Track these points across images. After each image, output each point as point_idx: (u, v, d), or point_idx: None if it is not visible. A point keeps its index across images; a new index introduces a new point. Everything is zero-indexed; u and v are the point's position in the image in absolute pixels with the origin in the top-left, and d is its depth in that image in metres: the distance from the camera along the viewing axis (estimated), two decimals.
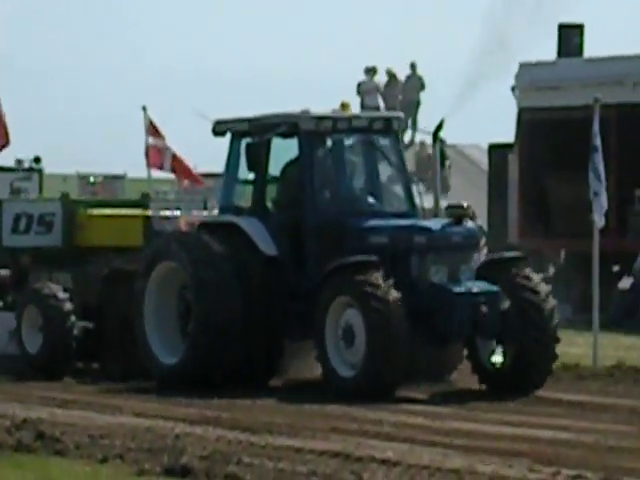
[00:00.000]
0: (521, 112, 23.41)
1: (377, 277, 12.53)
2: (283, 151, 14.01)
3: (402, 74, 28.07)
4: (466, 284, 12.92)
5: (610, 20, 42.82)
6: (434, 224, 13.34)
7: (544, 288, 13.06)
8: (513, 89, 23.39)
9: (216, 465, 9.11)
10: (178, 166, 19.97)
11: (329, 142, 13.94)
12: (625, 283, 21.38)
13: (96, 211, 16.07)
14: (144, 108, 18.44)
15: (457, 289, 12.84)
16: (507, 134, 24.27)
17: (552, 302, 13.04)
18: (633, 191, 20.83)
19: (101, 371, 14.51)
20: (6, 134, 13.97)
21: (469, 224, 13.55)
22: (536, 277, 13.14)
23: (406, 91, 28.34)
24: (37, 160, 20.53)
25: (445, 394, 13.14)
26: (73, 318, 14.61)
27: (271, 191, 14.05)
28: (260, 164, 13.68)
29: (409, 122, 27.58)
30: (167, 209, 16.08)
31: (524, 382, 12.86)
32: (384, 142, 14.03)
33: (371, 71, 27.75)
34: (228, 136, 14.13)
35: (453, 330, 12.89)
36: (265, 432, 10.86)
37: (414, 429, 11.20)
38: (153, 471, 9.00)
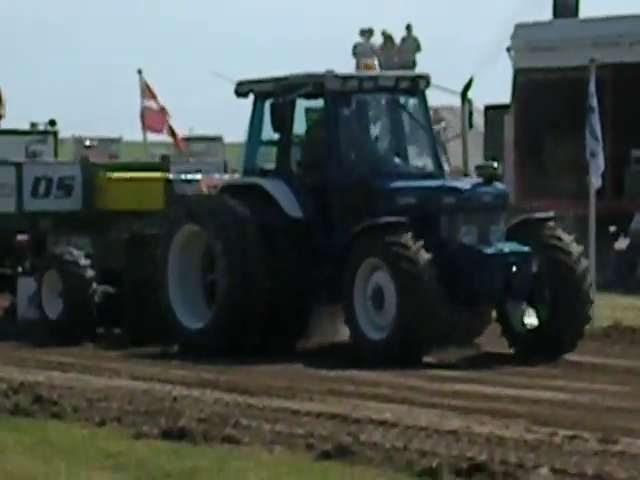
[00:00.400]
0: (517, 73, 23.56)
1: (407, 238, 12.50)
2: (308, 111, 14.05)
3: (398, 36, 28.41)
4: (496, 245, 12.95)
5: None
6: (463, 184, 13.35)
7: (576, 249, 13.03)
8: (509, 50, 23.66)
9: (213, 428, 9.23)
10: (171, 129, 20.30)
11: (355, 102, 13.94)
12: (622, 244, 21.57)
13: (116, 174, 16.05)
14: (139, 71, 18.88)
15: (488, 250, 12.85)
16: (503, 95, 24.50)
17: (584, 263, 13.07)
18: (629, 152, 20.94)
19: (123, 336, 14.42)
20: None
21: (499, 184, 13.53)
22: (567, 237, 13.08)
23: (402, 52, 28.50)
24: (52, 123, 20.53)
25: (469, 358, 13.11)
26: (94, 285, 14.61)
27: (296, 152, 14.00)
28: (285, 125, 13.63)
29: None
30: (188, 172, 16.09)
31: (556, 345, 12.86)
32: (410, 102, 14.11)
33: (367, 33, 27.91)
34: (251, 97, 14.12)
35: (483, 292, 12.88)
36: (262, 394, 10.98)
37: (412, 391, 11.34)
38: (151, 434, 9.10)
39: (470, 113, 14.86)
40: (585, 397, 10.86)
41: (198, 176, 15.76)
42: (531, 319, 13.08)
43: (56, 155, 18.59)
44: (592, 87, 14.91)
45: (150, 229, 14.65)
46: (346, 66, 26.14)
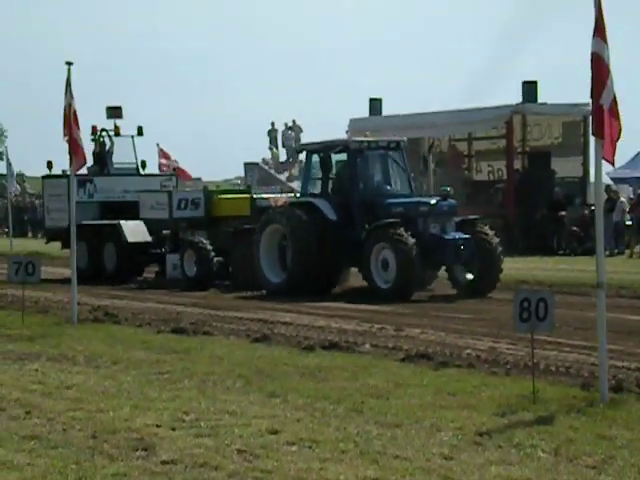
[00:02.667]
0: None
1: (401, 230, 20.07)
2: (337, 161, 22.05)
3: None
4: (451, 234, 20.60)
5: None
6: (431, 199, 21.18)
7: (495, 238, 20.82)
8: (347, 132, 38.73)
9: (198, 327, 16.21)
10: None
11: (366, 154, 21.68)
12: None
13: (223, 195, 25.39)
14: (157, 144, 30.26)
15: (446, 237, 20.57)
16: None
17: (496, 240, 20.72)
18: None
19: (231, 286, 22.87)
20: (83, 155, 16.81)
21: (451, 200, 21.28)
22: (489, 230, 20.93)
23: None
24: (174, 170, 31.60)
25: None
26: (213, 254, 23.24)
27: (331, 184, 21.95)
28: (326, 168, 21.84)
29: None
30: (264, 193, 25.36)
31: (482, 289, 20.47)
32: (396, 154, 21.95)
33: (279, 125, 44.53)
34: (304, 153, 22.78)
35: (445, 260, 20.66)
36: (225, 309, 18.77)
37: (307, 308, 18.93)
38: (165, 331, 15.79)
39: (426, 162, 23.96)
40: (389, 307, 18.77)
41: (271, 195, 24.55)
42: (468, 276, 20.78)
43: (177, 186, 28.29)
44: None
45: (244, 226, 22.85)
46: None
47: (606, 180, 35.07)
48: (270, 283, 21.59)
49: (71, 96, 16.53)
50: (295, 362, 12.68)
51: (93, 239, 25.92)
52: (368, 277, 20.52)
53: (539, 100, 35.03)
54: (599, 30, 10.16)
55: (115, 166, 28.40)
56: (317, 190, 22.14)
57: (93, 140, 28.36)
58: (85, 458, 8.47)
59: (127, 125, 28.55)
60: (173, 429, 9.29)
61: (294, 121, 51.14)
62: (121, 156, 28.49)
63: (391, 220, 20.34)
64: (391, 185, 21.99)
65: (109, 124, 28.33)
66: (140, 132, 28.48)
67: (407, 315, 17.73)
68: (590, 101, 10.30)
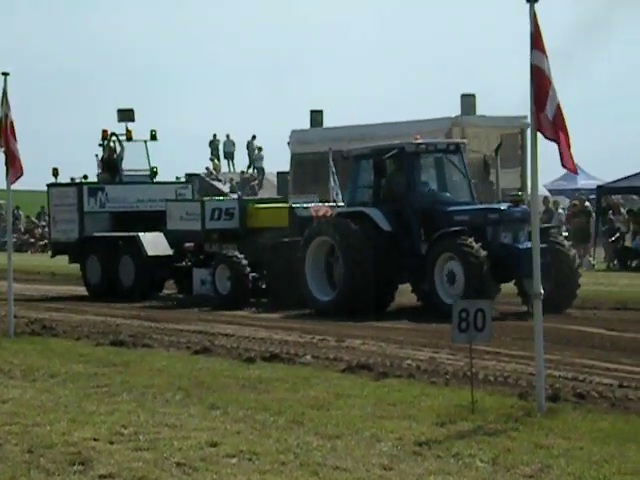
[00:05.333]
0: (293, 155, 41.48)
1: (471, 241, 18.07)
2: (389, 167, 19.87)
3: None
4: (525, 243, 18.20)
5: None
6: (502, 206, 19.18)
7: (572, 250, 18.98)
8: (289, 143, 37.71)
9: (138, 339, 16.12)
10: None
11: (423, 158, 19.90)
12: None
13: (259, 205, 23.00)
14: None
15: (521, 246, 18.41)
16: None
17: (573, 253, 18.90)
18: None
19: (269, 304, 20.83)
20: (20, 166, 16.26)
21: (524, 206, 19.37)
22: (565, 240, 19.22)
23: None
24: (190, 175, 29.48)
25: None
26: (248, 269, 21.08)
27: (383, 191, 19.86)
28: (380, 174, 19.68)
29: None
30: (304, 202, 22.92)
31: (557, 305, 17.98)
32: (455, 157, 19.88)
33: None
34: (352, 159, 20.44)
35: (519, 273, 18.23)
36: (164, 322, 18.71)
37: (248, 320, 18.93)
38: (104, 343, 15.70)
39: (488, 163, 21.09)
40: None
41: (311, 204, 22.25)
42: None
43: (193, 196, 25.92)
44: (331, 162, 24.45)
45: (283, 238, 20.92)
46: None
47: (543, 192, 35.48)
48: (318, 301, 19.59)
49: (8, 107, 16.31)
50: (236, 374, 12.63)
51: (107, 252, 24.22)
52: (431, 292, 18.45)
53: (477, 113, 35.38)
54: (537, 43, 10.27)
55: (127, 173, 26.15)
56: (367, 198, 20.06)
57: (101, 145, 26.45)
58: (21, 473, 8.37)
59: (138, 129, 26.36)
60: (111, 443, 9.21)
61: (228, 136, 51.00)
62: (133, 162, 26.21)
63: (457, 228, 18.29)
64: (449, 192, 19.94)
65: (120, 128, 26.08)
66: (154, 137, 26.23)
67: (348, 326, 17.74)
68: (529, 113, 10.39)
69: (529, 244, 17.40)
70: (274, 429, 9.63)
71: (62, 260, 26.70)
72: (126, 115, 25.93)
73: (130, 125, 25.93)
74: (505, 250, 18.51)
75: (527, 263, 16.91)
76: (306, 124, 41.53)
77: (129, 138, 26.08)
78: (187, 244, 23.15)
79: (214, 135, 52.50)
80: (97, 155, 26.64)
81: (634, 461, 8.50)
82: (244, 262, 21.20)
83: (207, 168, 51.10)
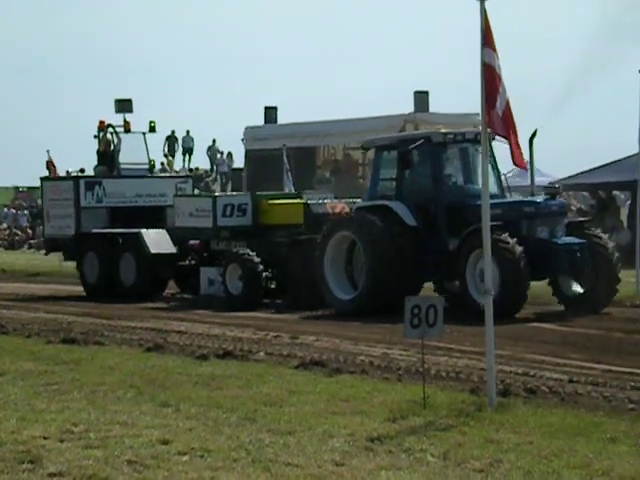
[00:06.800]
0: (247, 152, 40.87)
1: (506, 236, 16.81)
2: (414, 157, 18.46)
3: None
4: (563, 239, 17.33)
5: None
6: (538, 199, 17.97)
7: (610, 243, 17.70)
8: (243, 140, 41.30)
9: (89, 337, 16.01)
10: None
11: (450, 148, 18.61)
12: None
13: (274, 200, 21.48)
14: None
15: (559, 242, 17.36)
16: None
17: (617, 253, 17.55)
18: None
19: (285, 304, 19.73)
20: None
21: (561, 199, 18.29)
22: (603, 235, 17.88)
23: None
24: (191, 170, 28.89)
25: None
26: (261, 268, 19.81)
27: (407, 183, 18.68)
28: (405, 165, 18.34)
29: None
30: (319, 198, 21.36)
31: (595, 304, 17.20)
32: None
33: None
34: (373, 150, 19.49)
35: (558, 270, 17.15)
36: (117, 318, 18.64)
37: (206, 317, 18.80)
38: (55, 341, 15.50)
39: (532, 155, 18.23)
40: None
41: (327, 200, 21.03)
42: (578, 288, 17.56)
43: (193, 191, 25.28)
44: (285, 159, 25.09)
45: (301, 236, 19.85)
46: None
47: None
48: (339, 301, 18.52)
49: None
50: (188, 371, 12.58)
51: (106, 250, 23.12)
52: (463, 291, 17.18)
53: (430, 110, 35.51)
54: (488, 40, 10.33)
55: (125, 166, 24.70)
56: (390, 191, 18.84)
57: (96, 137, 25.12)
58: None
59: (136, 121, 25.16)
60: (61, 441, 9.14)
61: (188, 132, 50.68)
62: (131, 155, 24.77)
63: (493, 223, 15.86)
64: (478, 184, 18.06)
65: (118, 119, 24.86)
66: (152, 128, 24.98)
67: (302, 323, 17.73)
68: (480, 110, 10.46)
69: (567, 239, 17.36)
70: (226, 426, 9.60)
71: (9, 256, 26.40)
72: (124, 106, 24.74)
73: (128, 116, 24.82)
74: (542, 246, 17.36)
75: (566, 260, 17.17)
76: (260, 120, 41.40)
77: (127, 130, 24.91)
78: (192, 242, 21.90)
79: (172, 131, 52.06)
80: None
81: (583, 455, 8.58)
82: (256, 260, 20.00)
83: (162, 163, 50.77)
